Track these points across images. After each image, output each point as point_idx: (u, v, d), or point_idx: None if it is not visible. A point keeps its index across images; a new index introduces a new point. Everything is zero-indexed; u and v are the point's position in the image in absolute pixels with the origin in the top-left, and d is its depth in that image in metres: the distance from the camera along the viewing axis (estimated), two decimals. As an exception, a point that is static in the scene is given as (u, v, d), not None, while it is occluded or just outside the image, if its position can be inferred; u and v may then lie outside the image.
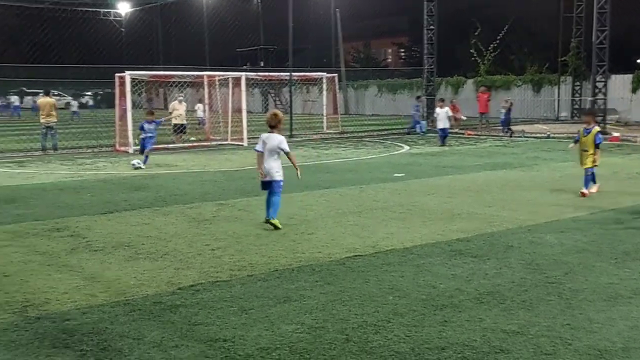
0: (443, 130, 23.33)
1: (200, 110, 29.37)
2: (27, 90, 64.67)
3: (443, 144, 23.05)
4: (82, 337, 5.34)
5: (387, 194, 12.56)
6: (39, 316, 5.83)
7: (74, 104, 49.57)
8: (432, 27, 32.66)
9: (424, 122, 31.00)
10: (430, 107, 33.05)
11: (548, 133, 26.85)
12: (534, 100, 39.71)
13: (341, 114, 35.01)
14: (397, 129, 31.85)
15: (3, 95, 60.64)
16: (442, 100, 25.97)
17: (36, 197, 12.45)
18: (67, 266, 7.50)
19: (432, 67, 33.19)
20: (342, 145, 24.07)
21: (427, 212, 10.60)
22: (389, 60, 74.18)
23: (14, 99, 52.74)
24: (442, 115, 23.43)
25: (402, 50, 69.96)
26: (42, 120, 21.58)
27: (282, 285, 6.72)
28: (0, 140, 25.70)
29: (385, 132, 30.19)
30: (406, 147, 22.80)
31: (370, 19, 65.85)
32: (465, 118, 30.33)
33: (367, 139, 27.03)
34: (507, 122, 27.55)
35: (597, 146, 11.97)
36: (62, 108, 42.84)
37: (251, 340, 5.23)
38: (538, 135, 26.86)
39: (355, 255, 7.86)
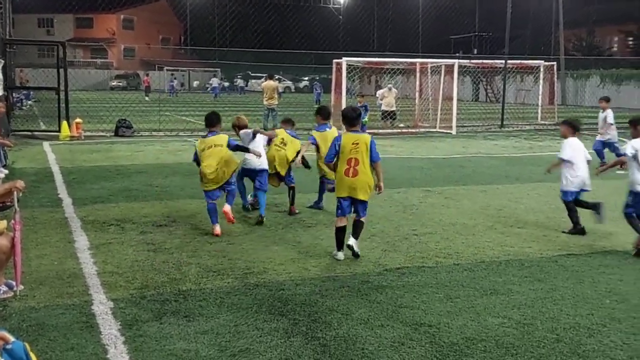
0: None
1: (379, 98, 28.94)
2: (252, 74, 69.29)
3: None
4: (295, 307, 5.68)
5: (607, 191, 11.75)
6: (258, 284, 6.30)
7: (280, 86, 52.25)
8: (669, 12, 29.69)
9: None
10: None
11: None
12: None
13: (558, 105, 33.22)
14: (622, 123, 29.52)
15: (229, 78, 65.62)
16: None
17: (256, 173, 13.34)
18: (284, 239, 8.00)
19: (666, 56, 30.24)
20: (557, 138, 22.81)
21: (653, 214, 9.74)
22: (615, 48, 68.77)
23: (214, 81, 56.20)
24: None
25: (631, 38, 64.47)
26: (265, 102, 23.08)
27: (488, 277, 6.60)
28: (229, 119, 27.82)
29: (607, 126, 28.10)
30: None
31: (595, 4, 61.50)
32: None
33: (585, 132, 25.38)
34: None
35: None
36: (282, 92, 45.36)
37: (456, 329, 5.22)
38: None
39: (569, 254, 7.48)
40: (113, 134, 20.75)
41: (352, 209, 7.27)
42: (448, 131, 24.07)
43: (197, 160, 8.57)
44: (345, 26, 74.30)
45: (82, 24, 79.86)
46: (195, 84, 68.08)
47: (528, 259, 7.28)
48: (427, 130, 24.91)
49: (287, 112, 30.18)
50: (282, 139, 9.64)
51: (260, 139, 9.30)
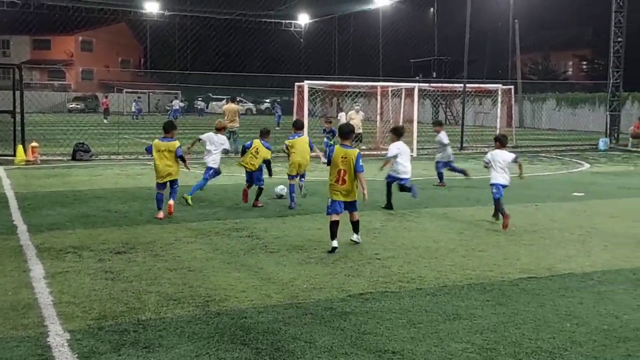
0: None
1: (343, 119, 29.15)
2: (213, 96, 69.04)
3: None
4: (257, 335, 5.59)
5: (565, 213, 11.94)
6: (219, 312, 6.19)
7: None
8: (620, 39, 30.62)
9: (606, 139, 29.21)
10: (614, 124, 31.04)
11: None
12: None
13: (515, 127, 33.83)
14: (577, 145, 30.22)
15: (190, 100, 65.31)
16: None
17: (218, 197, 13.24)
18: (245, 265, 7.90)
19: (617, 81, 31.10)
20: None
21: (610, 235, 9.93)
22: (569, 72, 70.61)
23: (175, 103, 55.74)
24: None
25: (584, 62, 66.32)
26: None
27: (451, 301, 6.61)
28: (185, 142, 27.61)
29: (564, 148, 28.74)
30: (586, 165, 21.54)
31: (550, 29, 63.15)
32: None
33: (542, 155, 25.89)
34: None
35: None
36: (243, 114, 45.23)
37: (420, 355, 5.19)
38: None
39: (530, 277, 7.54)
40: (70, 158, 20.40)
41: (343, 208, 8.84)
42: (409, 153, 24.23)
43: (149, 152, 11.05)
44: (306, 49, 74.84)
45: (40, 46, 78.84)
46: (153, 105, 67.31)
47: (490, 282, 7.32)
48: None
49: (249, 134, 30.09)
50: (257, 148, 12.19)
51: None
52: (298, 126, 12.98)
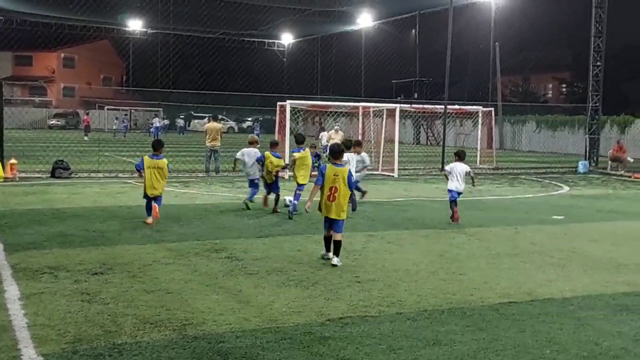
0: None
1: (324, 139, 29.21)
2: (195, 114, 68.87)
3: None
4: (235, 360, 5.50)
5: (545, 236, 11.98)
6: (196, 336, 6.09)
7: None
8: (598, 63, 31.06)
9: (586, 162, 29.52)
10: (594, 147, 31.39)
11: None
12: None
13: (496, 149, 34.08)
14: (557, 167, 30.49)
15: (172, 118, 65.08)
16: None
17: (198, 217, 13.15)
18: (224, 288, 7.81)
19: (597, 104, 31.50)
20: (497, 182, 23.37)
21: (590, 259, 9.97)
22: (549, 95, 71.46)
23: (155, 121, 55.35)
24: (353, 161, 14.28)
25: (564, 85, 67.17)
26: (207, 144, 22.80)
27: (431, 326, 6.57)
28: (169, 160, 27.45)
29: (544, 170, 28.97)
30: (566, 188, 21.71)
31: (531, 52, 63.92)
32: (631, 160, 28.46)
33: (523, 177, 26.07)
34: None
35: None
36: (225, 132, 45.09)
37: (399, 382, 5.13)
38: None
39: (510, 302, 7.52)
40: (49, 175, 20.17)
41: (330, 225, 9.21)
42: (390, 174, 24.33)
43: (140, 168, 12.01)
44: (289, 69, 75.10)
45: (21, 62, 78.38)
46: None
47: (470, 307, 7.29)
48: (370, 172, 25.06)
49: (232, 151, 30.05)
50: (270, 160, 13.88)
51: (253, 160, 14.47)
52: (299, 140, 14.25)
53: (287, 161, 17.01)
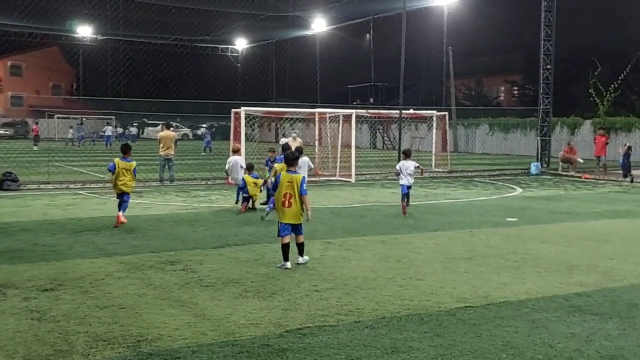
0: None
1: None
2: (148, 122, 67.90)
3: None
4: (191, 376, 5.39)
5: (499, 239, 12.13)
6: (151, 352, 5.95)
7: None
8: (549, 66, 31.73)
9: (538, 164, 30.09)
10: (545, 148, 32.02)
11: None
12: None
13: (450, 152, 34.49)
14: (510, 169, 30.99)
15: (125, 125, 64.00)
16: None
17: (152, 228, 12.93)
18: (180, 301, 7.67)
19: (547, 107, 32.16)
20: (452, 185, 23.62)
21: (543, 261, 10.13)
22: (501, 98, 72.73)
23: (107, 129, 54.44)
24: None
25: (516, 88, 68.45)
26: (161, 153, 22.44)
27: (389, 334, 6.56)
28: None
29: (497, 173, 29.41)
30: (519, 190, 22.07)
31: (483, 56, 65.02)
32: (582, 161, 29.12)
33: (477, 179, 26.42)
34: (627, 167, 26.08)
35: None
36: (180, 139, 44.63)
37: (358, 393, 5.10)
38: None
39: (467, 306, 7.57)
40: (-3, 187, 19.60)
41: (291, 231, 9.47)
42: (347, 179, 24.38)
43: (112, 169, 12.98)
44: (243, 75, 74.77)
45: (-34, 70, 76.27)
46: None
47: (427, 313, 7.31)
48: (327, 178, 25.12)
49: (186, 160, 29.75)
50: (251, 183, 15.38)
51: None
52: (285, 148, 15.74)
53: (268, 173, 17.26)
